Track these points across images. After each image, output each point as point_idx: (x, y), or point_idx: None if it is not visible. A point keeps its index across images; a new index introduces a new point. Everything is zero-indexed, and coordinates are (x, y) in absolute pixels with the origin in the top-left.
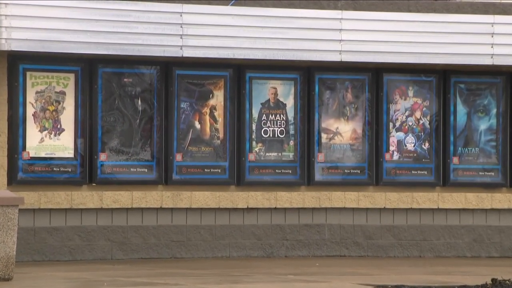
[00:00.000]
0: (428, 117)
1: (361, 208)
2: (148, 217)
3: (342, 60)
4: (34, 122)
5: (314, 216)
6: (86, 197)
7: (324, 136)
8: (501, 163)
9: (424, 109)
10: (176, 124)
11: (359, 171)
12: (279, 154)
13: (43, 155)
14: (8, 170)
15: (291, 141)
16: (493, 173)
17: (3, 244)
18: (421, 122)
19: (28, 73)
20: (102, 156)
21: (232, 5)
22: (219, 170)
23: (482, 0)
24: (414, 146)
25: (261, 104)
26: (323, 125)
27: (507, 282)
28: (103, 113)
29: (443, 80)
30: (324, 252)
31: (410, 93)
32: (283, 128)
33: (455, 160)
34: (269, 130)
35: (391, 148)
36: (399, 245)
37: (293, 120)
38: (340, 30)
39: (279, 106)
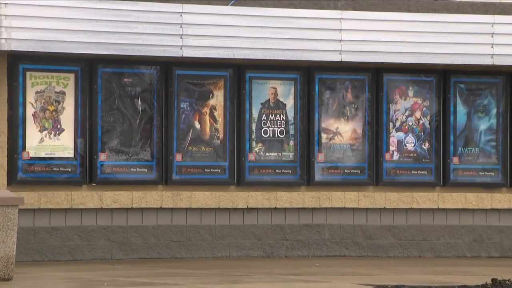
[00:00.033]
0: (428, 117)
1: (361, 208)
2: (148, 217)
3: (342, 60)
4: (34, 122)
5: (314, 216)
6: (86, 197)
7: (324, 136)
8: (501, 163)
9: (424, 109)
10: (176, 124)
11: (359, 171)
12: (279, 154)
13: (43, 155)
14: (8, 170)
15: (291, 141)
16: (493, 173)
17: (3, 244)
18: (421, 122)
19: (28, 73)
20: (102, 156)
21: (232, 5)
22: (219, 170)
23: (482, 0)
24: (414, 146)
25: (261, 104)
26: (323, 125)
27: (507, 282)
28: (103, 113)
29: (443, 80)
30: (324, 252)
31: (410, 93)
32: (283, 128)
33: (455, 160)
34: (269, 130)
35: (391, 148)
36: (399, 245)
37: (293, 120)
38: (340, 30)
39: (279, 106)
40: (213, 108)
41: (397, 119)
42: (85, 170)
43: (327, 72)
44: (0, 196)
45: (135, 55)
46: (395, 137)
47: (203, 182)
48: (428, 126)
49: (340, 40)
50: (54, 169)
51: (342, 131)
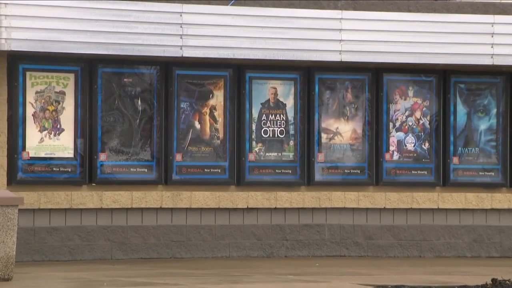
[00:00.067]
0: (428, 117)
1: (361, 208)
2: (148, 217)
3: (342, 60)
4: (34, 122)
5: (314, 216)
6: (86, 197)
7: (324, 136)
8: (501, 163)
9: (424, 109)
10: (176, 124)
11: (359, 171)
12: (279, 154)
13: (42, 155)
14: (7, 170)
15: (291, 141)
16: (493, 173)
17: (3, 244)
18: (421, 122)
19: (28, 73)
20: (102, 156)
21: (232, 5)
22: (219, 170)
23: (482, 0)
24: (414, 146)
25: (261, 104)
26: (323, 125)
27: (507, 282)
28: (103, 113)
29: (443, 80)
30: (324, 252)
31: (410, 93)
32: (283, 128)
33: (455, 160)
34: (269, 130)
35: (391, 148)
36: (399, 245)
37: (293, 120)
38: (340, 30)
39: (279, 106)
40: (213, 108)
41: (397, 119)
42: (85, 170)
43: (327, 72)
44: (0, 196)
45: (135, 55)
46: (395, 137)
47: (203, 182)
48: (428, 126)
49: (340, 40)
50: (54, 169)
51: (342, 131)
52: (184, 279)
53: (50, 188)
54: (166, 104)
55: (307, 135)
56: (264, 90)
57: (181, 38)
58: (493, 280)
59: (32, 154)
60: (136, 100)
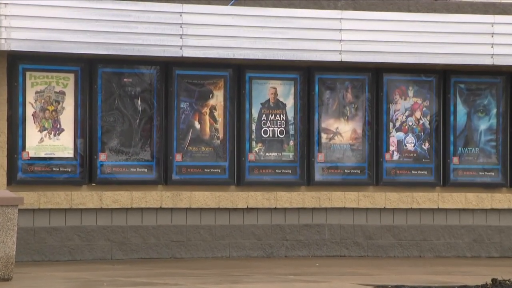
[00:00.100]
0: (428, 117)
1: (361, 208)
2: (148, 217)
3: (342, 60)
4: (34, 122)
5: (314, 216)
6: (86, 197)
7: (324, 136)
8: (501, 163)
9: (424, 109)
10: (176, 124)
11: (359, 171)
12: (279, 154)
13: (42, 155)
14: (7, 170)
15: (291, 141)
16: (493, 173)
17: (3, 244)
18: (421, 122)
19: (27, 73)
20: (102, 156)
21: (232, 5)
22: (219, 170)
23: (482, 0)
24: (414, 146)
25: (261, 104)
26: (323, 125)
27: (507, 282)
28: (103, 113)
29: (443, 80)
30: (324, 252)
31: (410, 93)
32: (283, 128)
33: (455, 160)
34: (269, 130)
35: (391, 148)
36: (399, 245)
37: (293, 120)
38: (340, 30)
39: (279, 106)
40: (213, 108)
41: (397, 119)
42: (85, 170)
43: (327, 72)
44: (0, 196)
45: (135, 55)
46: (395, 137)
47: (203, 182)
48: (428, 126)
49: (340, 40)
50: (54, 169)
51: (342, 131)
52: (184, 279)
53: (50, 188)
54: (166, 104)
55: (307, 135)
56: (264, 90)
57: (181, 38)
58: (493, 280)
59: (32, 154)
60: (136, 100)
